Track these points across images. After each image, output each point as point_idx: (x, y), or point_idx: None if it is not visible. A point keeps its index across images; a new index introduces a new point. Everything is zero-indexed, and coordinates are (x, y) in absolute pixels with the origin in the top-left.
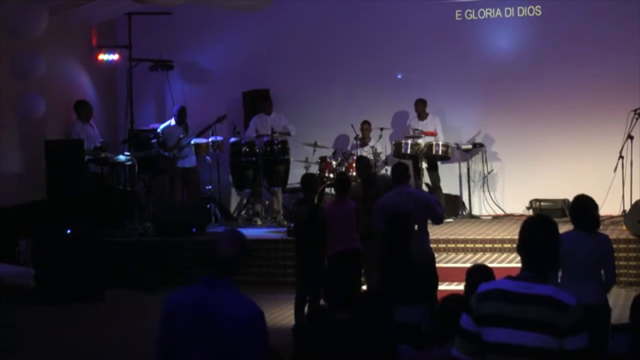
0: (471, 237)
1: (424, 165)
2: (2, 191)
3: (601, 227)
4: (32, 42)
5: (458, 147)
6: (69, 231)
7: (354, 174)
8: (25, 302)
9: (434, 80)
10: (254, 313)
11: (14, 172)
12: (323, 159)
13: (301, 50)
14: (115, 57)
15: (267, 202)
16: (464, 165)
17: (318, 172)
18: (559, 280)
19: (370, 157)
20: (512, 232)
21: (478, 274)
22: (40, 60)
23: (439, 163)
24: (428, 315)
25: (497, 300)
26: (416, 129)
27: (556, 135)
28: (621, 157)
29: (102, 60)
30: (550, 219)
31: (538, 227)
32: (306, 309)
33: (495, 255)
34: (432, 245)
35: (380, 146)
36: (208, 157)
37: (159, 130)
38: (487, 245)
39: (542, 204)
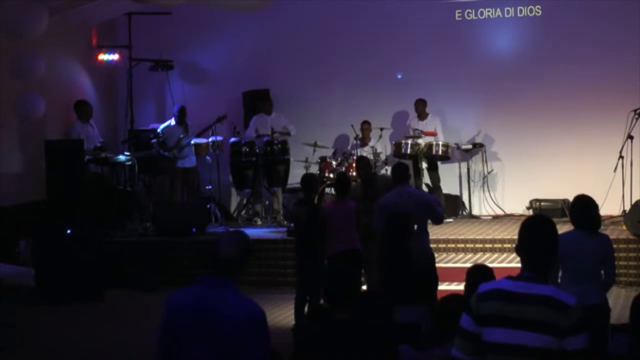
0: (471, 237)
1: (424, 165)
2: (2, 191)
3: (601, 227)
4: (32, 42)
5: (458, 147)
6: (69, 231)
7: (354, 174)
8: (25, 302)
9: (434, 80)
10: (255, 313)
11: (14, 172)
12: (323, 159)
13: (301, 50)
14: (115, 57)
15: (267, 202)
16: (464, 165)
17: (318, 172)
18: (559, 280)
19: (370, 157)
20: (512, 232)
21: (478, 274)
22: (40, 60)
23: (439, 163)
24: (428, 315)
25: (497, 300)
26: (416, 129)
27: (556, 135)
28: (621, 157)
29: (102, 60)
30: (549, 219)
31: (537, 228)
32: (306, 309)
33: (495, 255)
34: (432, 245)
35: (380, 146)
36: (208, 157)
37: (159, 130)
38: (487, 245)
39: (542, 204)
